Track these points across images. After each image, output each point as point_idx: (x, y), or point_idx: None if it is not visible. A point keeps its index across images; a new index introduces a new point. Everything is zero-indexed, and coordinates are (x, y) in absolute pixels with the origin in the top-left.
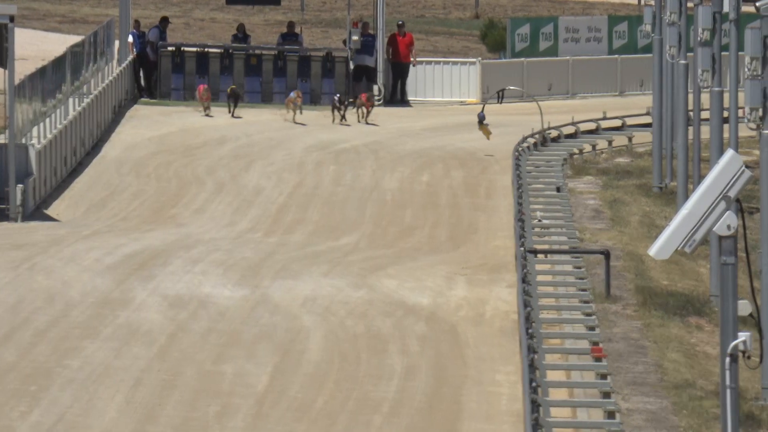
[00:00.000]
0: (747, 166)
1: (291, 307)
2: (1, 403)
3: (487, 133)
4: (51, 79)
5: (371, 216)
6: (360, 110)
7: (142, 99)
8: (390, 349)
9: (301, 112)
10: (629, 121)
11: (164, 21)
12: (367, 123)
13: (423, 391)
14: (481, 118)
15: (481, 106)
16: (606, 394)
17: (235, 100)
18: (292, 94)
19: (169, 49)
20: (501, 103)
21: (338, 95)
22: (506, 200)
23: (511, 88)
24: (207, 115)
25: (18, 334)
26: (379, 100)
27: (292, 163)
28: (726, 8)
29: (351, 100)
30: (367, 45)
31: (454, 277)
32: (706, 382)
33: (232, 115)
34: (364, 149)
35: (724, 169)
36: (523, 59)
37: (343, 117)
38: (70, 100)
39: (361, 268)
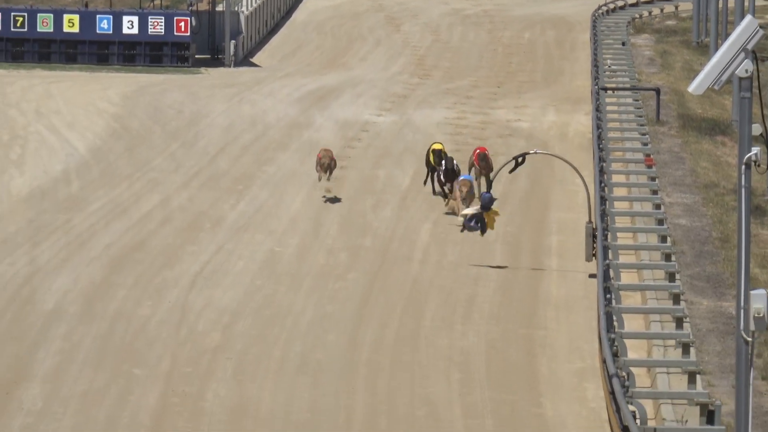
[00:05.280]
0: (760, 27)
1: (428, 128)
2: (217, 198)
3: (491, 220)
4: None
5: (487, 63)
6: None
7: None
8: (499, 160)
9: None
10: None
11: None
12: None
13: (523, 190)
14: (486, 205)
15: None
16: (654, 191)
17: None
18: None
19: None
20: (523, 164)
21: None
22: (585, 52)
23: (538, 151)
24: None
25: (229, 148)
26: None
27: (431, 24)
28: None
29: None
30: None
31: (547, 107)
32: (727, 183)
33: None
34: (483, 15)
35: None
36: None
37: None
38: None
39: (479, 100)
